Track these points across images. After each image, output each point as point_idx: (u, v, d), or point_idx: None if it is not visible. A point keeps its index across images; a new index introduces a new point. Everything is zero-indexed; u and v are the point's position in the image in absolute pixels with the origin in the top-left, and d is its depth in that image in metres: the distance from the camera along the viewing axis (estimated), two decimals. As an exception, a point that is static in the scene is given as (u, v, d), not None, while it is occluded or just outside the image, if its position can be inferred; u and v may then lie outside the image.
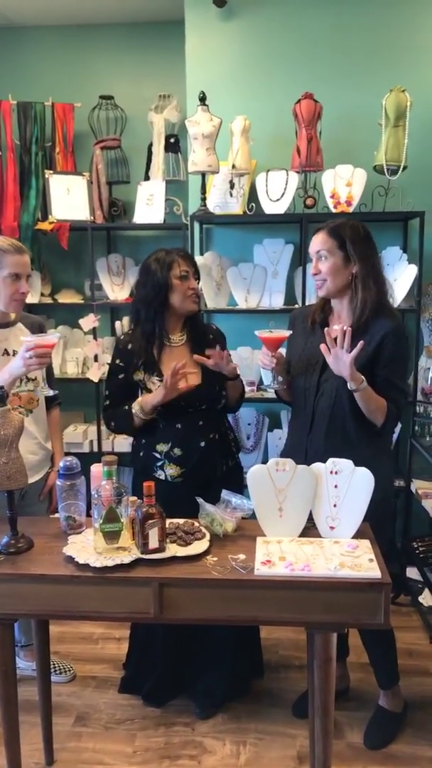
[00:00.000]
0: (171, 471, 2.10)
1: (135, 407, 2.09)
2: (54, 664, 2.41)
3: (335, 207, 2.90)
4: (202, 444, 2.10)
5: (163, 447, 2.10)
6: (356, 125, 3.01)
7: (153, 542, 1.62)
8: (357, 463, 1.71)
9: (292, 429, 2.20)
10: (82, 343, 3.40)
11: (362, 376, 1.86)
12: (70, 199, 3.22)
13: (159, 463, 2.11)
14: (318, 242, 1.98)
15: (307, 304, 2.93)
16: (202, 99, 2.89)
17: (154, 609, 1.57)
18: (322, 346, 1.86)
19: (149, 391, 2.10)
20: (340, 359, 1.83)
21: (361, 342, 1.82)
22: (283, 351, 2.09)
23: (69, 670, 2.48)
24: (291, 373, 2.09)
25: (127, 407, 2.11)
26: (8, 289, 2.02)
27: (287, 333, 2.02)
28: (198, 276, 2.17)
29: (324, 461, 1.73)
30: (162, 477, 2.10)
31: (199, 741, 2.15)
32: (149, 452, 2.13)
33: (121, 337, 2.21)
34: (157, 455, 2.11)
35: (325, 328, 1.88)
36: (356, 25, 3.02)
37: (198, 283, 2.16)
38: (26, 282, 2.07)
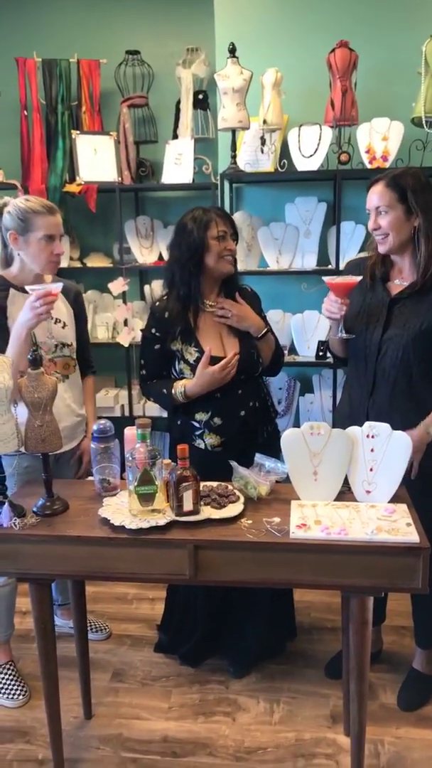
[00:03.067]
0: (211, 440, 2.07)
1: (178, 390, 2.03)
2: (90, 623, 2.47)
3: (370, 163, 2.79)
4: (243, 413, 2.07)
5: (202, 416, 2.07)
6: (393, 75, 2.88)
7: (187, 505, 1.61)
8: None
9: (348, 391, 2.09)
10: (111, 308, 3.38)
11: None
12: (97, 159, 3.16)
13: (198, 432, 2.08)
14: (376, 196, 1.87)
15: (341, 264, 2.86)
16: (232, 51, 2.78)
17: (189, 571, 1.58)
18: None
19: (186, 362, 2.05)
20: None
21: None
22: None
23: (105, 629, 2.53)
24: (350, 326, 1.97)
25: (165, 390, 2.06)
26: (44, 252, 1.99)
27: (357, 278, 1.89)
28: (236, 237, 2.09)
29: (390, 423, 1.67)
30: (201, 446, 2.07)
31: (233, 699, 2.18)
32: (188, 421, 2.09)
33: (156, 304, 2.14)
34: (196, 424, 2.08)
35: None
36: (394, -33, 2.85)
37: (236, 243, 2.08)
38: (60, 242, 2.03)
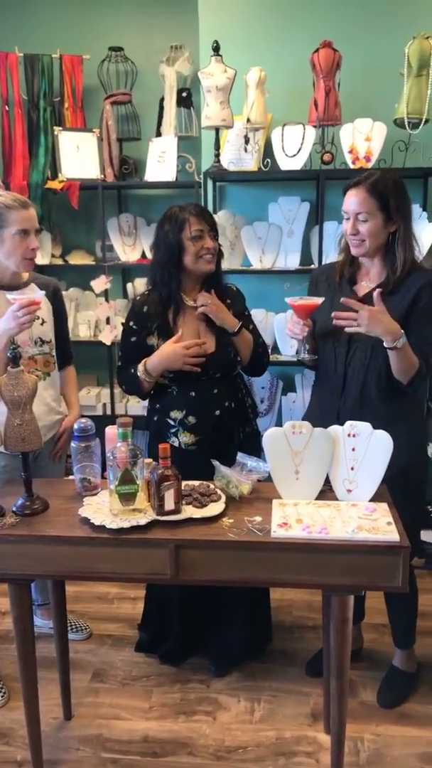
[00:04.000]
0: (185, 438, 2.07)
1: (139, 369, 2.05)
2: (70, 623, 2.45)
3: (353, 163, 2.80)
4: (217, 413, 2.06)
5: (177, 414, 2.07)
6: (376, 76, 2.89)
7: (169, 504, 1.61)
8: (391, 424, 1.67)
9: (319, 393, 2.11)
10: (93, 306, 3.36)
11: (401, 330, 1.77)
12: (79, 156, 3.14)
13: (173, 430, 2.08)
14: (357, 202, 1.85)
15: (323, 263, 2.87)
16: (216, 49, 2.77)
17: (171, 570, 1.57)
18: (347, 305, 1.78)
19: None
20: (374, 317, 1.75)
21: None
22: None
23: (85, 629, 2.51)
24: (317, 334, 1.99)
25: (133, 370, 2.07)
26: (18, 247, 1.97)
27: (319, 300, 1.91)
28: (215, 234, 2.07)
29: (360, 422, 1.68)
30: (176, 444, 2.06)
31: (214, 698, 2.18)
32: (163, 418, 2.10)
33: (137, 298, 2.16)
34: (171, 422, 2.08)
35: (341, 299, 1.81)
36: (378, -32, 2.87)
37: (216, 239, 2.06)
38: (35, 237, 2.01)
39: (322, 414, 1.99)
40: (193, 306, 2.08)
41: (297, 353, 2.01)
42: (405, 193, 1.89)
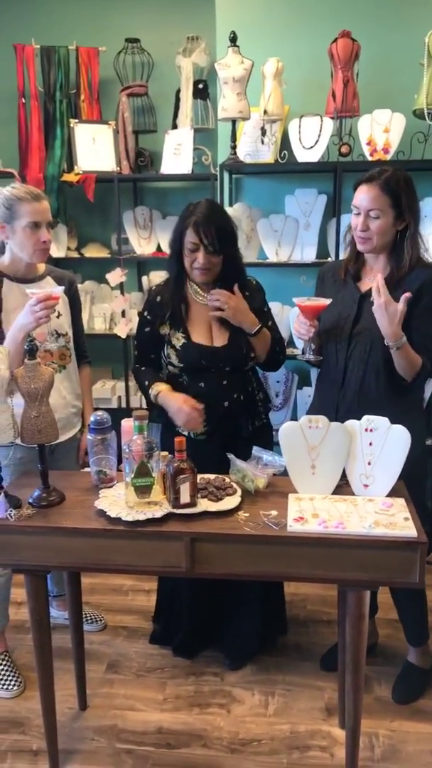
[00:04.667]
0: None
1: (153, 391, 2.03)
2: (86, 614, 2.46)
3: (371, 155, 2.78)
4: (226, 404, 2.05)
5: None
6: (395, 66, 2.85)
7: (184, 497, 1.61)
8: (389, 420, 1.66)
9: (321, 385, 2.14)
10: (109, 299, 3.36)
11: (402, 333, 1.79)
12: (95, 149, 3.13)
13: None
14: (370, 199, 1.84)
15: (341, 258, 2.84)
16: (233, 40, 2.75)
17: (186, 563, 1.57)
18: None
19: (173, 347, 2.04)
20: (388, 310, 1.74)
21: (408, 294, 1.75)
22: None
23: (100, 620, 2.53)
24: (320, 329, 1.99)
25: (147, 383, 2.06)
26: (29, 240, 1.97)
27: (327, 301, 1.91)
28: (214, 248, 1.94)
29: (356, 418, 1.68)
30: (185, 433, 2.05)
31: (228, 690, 2.19)
32: None
33: (153, 288, 2.16)
34: None
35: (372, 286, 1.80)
36: None
37: (214, 254, 1.95)
38: (47, 230, 2.00)
39: (321, 407, 2.00)
40: (204, 302, 2.06)
41: (303, 353, 2.02)
42: (414, 191, 1.89)
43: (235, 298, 2.01)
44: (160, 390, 2.03)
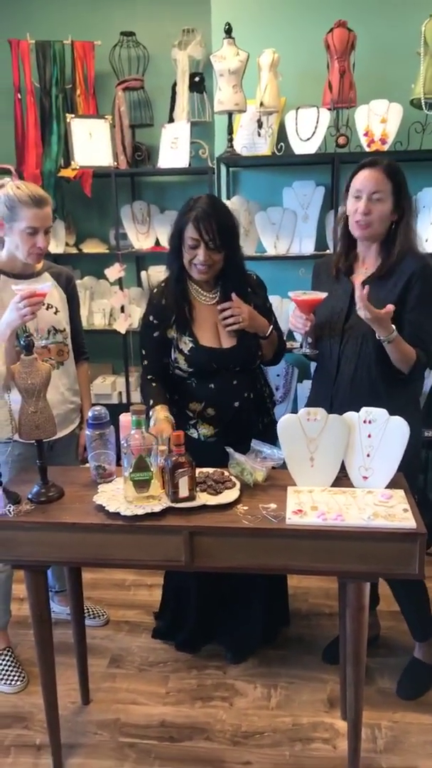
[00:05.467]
0: (204, 430, 2.04)
1: (154, 416, 1.92)
2: (87, 609, 2.47)
3: (369, 146, 2.76)
4: (237, 404, 2.03)
5: (196, 406, 2.03)
6: (392, 56, 2.83)
7: (183, 491, 1.60)
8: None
9: (316, 378, 2.14)
10: (108, 294, 3.36)
11: (393, 327, 1.78)
12: (92, 144, 3.13)
13: (192, 422, 2.06)
14: (372, 182, 1.84)
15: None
16: (228, 31, 2.74)
17: (185, 557, 1.57)
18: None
19: (180, 351, 2.01)
20: (373, 321, 1.77)
21: (390, 307, 1.75)
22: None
23: (102, 615, 2.53)
24: (315, 323, 1.99)
25: (152, 402, 1.98)
26: (25, 243, 1.97)
27: (323, 295, 1.91)
28: (215, 244, 1.90)
29: (351, 410, 1.67)
30: (195, 436, 2.04)
31: (231, 684, 2.19)
32: (182, 410, 2.06)
33: (154, 290, 2.09)
34: (190, 414, 2.05)
35: (357, 285, 1.80)
36: None
37: (215, 251, 1.91)
38: (44, 236, 1.98)
39: (316, 401, 2.00)
40: (208, 303, 2.04)
41: (300, 347, 2.03)
42: (405, 180, 1.91)
43: (244, 306, 1.98)
44: (159, 415, 1.93)
